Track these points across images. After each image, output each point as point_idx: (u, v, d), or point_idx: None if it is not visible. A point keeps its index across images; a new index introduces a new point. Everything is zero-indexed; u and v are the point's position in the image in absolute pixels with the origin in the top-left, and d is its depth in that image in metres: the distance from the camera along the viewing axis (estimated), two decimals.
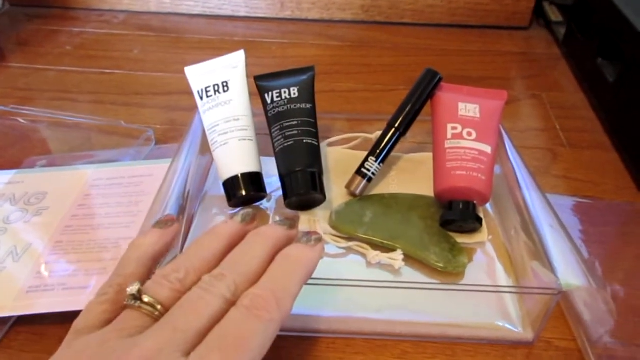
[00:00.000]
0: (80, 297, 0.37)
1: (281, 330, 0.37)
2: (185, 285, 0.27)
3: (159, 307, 0.26)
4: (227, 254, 0.30)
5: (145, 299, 0.26)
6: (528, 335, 0.37)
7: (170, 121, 0.58)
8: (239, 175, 0.42)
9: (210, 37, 0.76)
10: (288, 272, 0.28)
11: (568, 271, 0.33)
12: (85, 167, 0.49)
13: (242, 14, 0.80)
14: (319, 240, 0.31)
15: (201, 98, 0.45)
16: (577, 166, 0.54)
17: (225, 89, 0.45)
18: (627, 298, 0.41)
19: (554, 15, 0.79)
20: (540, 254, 0.35)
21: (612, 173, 0.53)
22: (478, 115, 0.44)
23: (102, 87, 0.65)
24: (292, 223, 0.32)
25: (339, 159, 0.48)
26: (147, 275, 0.30)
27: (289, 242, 0.31)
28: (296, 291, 0.28)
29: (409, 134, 0.46)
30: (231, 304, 0.26)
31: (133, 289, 0.26)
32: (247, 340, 0.25)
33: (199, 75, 0.46)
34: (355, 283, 0.37)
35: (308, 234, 0.31)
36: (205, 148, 0.46)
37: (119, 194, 0.46)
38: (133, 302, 0.26)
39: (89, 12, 0.81)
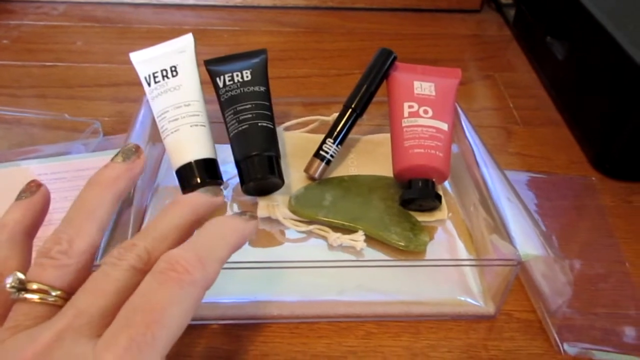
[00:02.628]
0: None
1: (243, 319, 0.36)
2: (72, 255, 0.24)
3: (54, 292, 0.23)
4: (117, 203, 0.26)
5: (34, 286, 0.23)
6: (490, 309, 0.37)
7: (119, 113, 0.56)
8: (192, 162, 0.40)
9: (159, 27, 0.73)
10: (216, 234, 0.25)
11: (526, 242, 0.34)
12: (28, 163, 0.46)
13: (191, 2, 0.78)
14: (254, 217, 0.27)
15: (149, 84, 0.43)
16: (531, 143, 0.55)
17: (174, 73, 0.43)
18: (583, 268, 0.42)
19: None
20: (499, 227, 0.35)
21: (564, 148, 0.54)
22: (434, 93, 0.44)
23: (44, 80, 0.61)
24: (216, 190, 0.28)
25: (297, 143, 0.47)
26: (27, 254, 0.26)
27: (211, 209, 0.27)
28: (224, 255, 0.24)
29: (366, 116, 0.46)
30: (145, 274, 0.23)
31: (12, 280, 0.23)
32: (162, 312, 0.21)
33: (145, 60, 0.44)
34: (316, 264, 0.36)
35: (242, 212, 0.27)
36: (157, 137, 0.44)
37: (65, 189, 0.43)
38: (17, 294, 0.23)
39: (26, 4, 0.77)
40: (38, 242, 0.38)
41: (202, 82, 0.44)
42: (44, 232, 0.39)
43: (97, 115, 0.55)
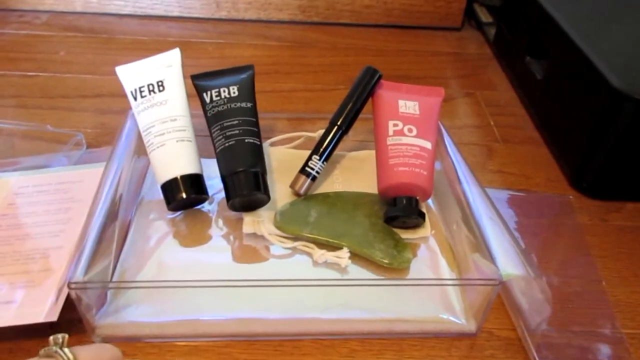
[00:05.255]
0: (7, 312, 0.34)
1: (227, 336, 0.36)
2: None
3: None
4: None
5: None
6: (471, 326, 0.37)
7: (102, 124, 0.55)
8: (178, 177, 0.40)
9: (143, 38, 0.73)
10: None
11: (507, 261, 0.34)
12: (8, 175, 0.46)
13: (175, 14, 0.78)
14: None
15: (135, 98, 0.43)
16: (511, 161, 0.56)
17: (161, 88, 0.43)
18: (560, 286, 0.43)
19: (485, 16, 0.82)
20: (481, 246, 0.36)
21: (543, 167, 0.56)
22: (418, 112, 0.45)
23: (26, 90, 0.60)
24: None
25: (282, 159, 0.48)
26: None
27: None
28: None
29: (351, 132, 0.46)
30: None
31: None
32: None
33: (132, 74, 0.44)
34: (301, 282, 0.36)
35: None
36: (142, 150, 0.44)
37: (47, 202, 0.43)
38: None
39: (8, 13, 0.76)
40: (19, 256, 0.38)
41: (188, 96, 0.44)
42: (23, 247, 0.38)
43: (79, 127, 0.54)
